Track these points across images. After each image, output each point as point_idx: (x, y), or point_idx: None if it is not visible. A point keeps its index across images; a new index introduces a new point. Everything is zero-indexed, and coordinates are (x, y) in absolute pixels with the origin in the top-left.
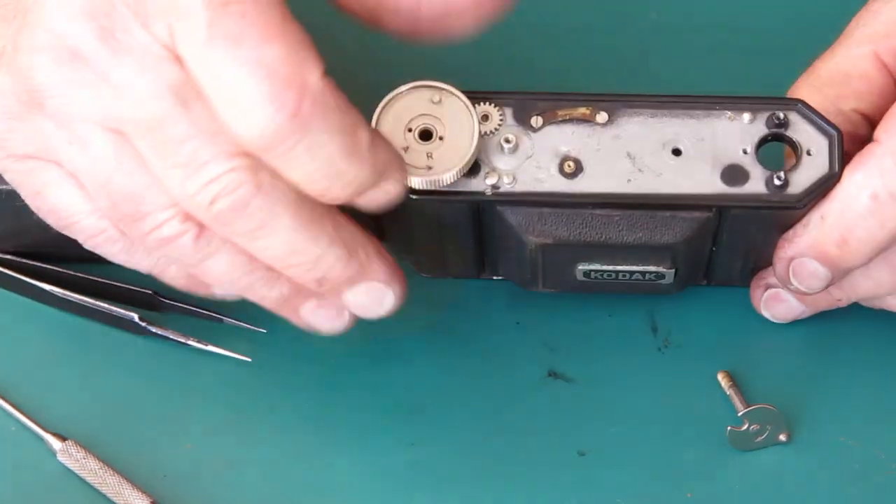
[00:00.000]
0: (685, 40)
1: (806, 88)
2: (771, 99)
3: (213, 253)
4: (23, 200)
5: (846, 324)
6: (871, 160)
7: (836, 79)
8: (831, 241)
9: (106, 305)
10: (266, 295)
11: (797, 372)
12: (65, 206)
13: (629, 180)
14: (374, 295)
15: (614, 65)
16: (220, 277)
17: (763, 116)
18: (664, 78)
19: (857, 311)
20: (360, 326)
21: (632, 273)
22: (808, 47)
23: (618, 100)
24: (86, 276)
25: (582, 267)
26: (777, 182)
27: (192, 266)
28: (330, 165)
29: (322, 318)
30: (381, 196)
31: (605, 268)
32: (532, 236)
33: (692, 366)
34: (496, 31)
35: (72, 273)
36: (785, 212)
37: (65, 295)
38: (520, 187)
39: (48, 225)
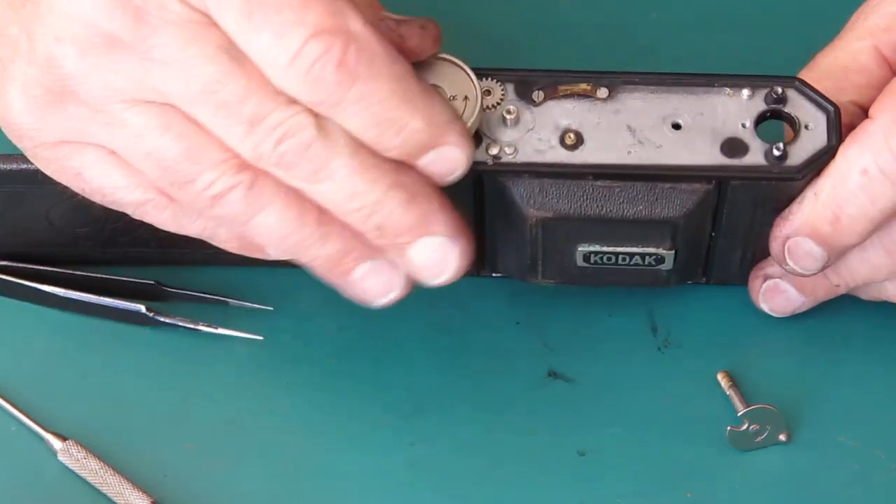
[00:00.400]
0: (684, 39)
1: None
2: (769, 77)
3: (264, 206)
4: (24, 203)
5: (846, 324)
6: (863, 136)
7: (834, 72)
8: (824, 218)
9: (111, 301)
10: (318, 254)
11: (797, 372)
12: (109, 183)
13: (629, 152)
14: (439, 251)
15: (613, 62)
16: (271, 233)
17: (761, 93)
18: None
19: (857, 311)
20: (360, 327)
21: (631, 256)
22: (809, 45)
23: (618, 77)
24: (86, 274)
25: (582, 248)
26: (776, 153)
27: (243, 224)
28: (381, 112)
29: (375, 284)
30: (442, 163)
31: (605, 249)
32: (533, 209)
33: (692, 366)
34: (494, 31)
35: (72, 273)
36: (784, 184)
37: (67, 295)
38: (521, 158)
39: (49, 225)
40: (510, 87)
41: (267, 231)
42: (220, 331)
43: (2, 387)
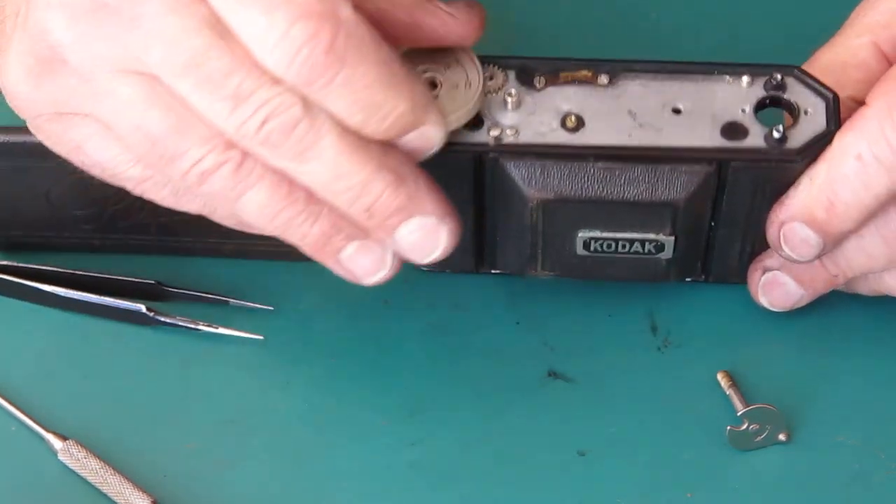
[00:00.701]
0: (684, 40)
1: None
2: (768, 65)
3: (252, 184)
4: (24, 181)
5: (846, 324)
6: (858, 122)
7: (834, 68)
8: (819, 203)
9: (111, 300)
10: (307, 232)
11: (797, 372)
12: (108, 158)
13: (630, 135)
14: (428, 231)
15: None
16: (259, 212)
17: (761, 81)
18: None
19: (856, 311)
20: (360, 327)
21: (631, 242)
22: (809, 46)
23: (619, 64)
24: (87, 274)
25: (582, 234)
26: (776, 135)
27: (232, 202)
28: (368, 97)
29: (363, 264)
30: (420, 142)
31: (605, 235)
32: (534, 191)
33: (692, 365)
34: (491, 32)
35: (72, 272)
36: (783, 167)
37: (67, 295)
38: (523, 139)
39: (49, 206)
40: (511, 74)
41: (256, 209)
42: (220, 331)
43: (2, 387)
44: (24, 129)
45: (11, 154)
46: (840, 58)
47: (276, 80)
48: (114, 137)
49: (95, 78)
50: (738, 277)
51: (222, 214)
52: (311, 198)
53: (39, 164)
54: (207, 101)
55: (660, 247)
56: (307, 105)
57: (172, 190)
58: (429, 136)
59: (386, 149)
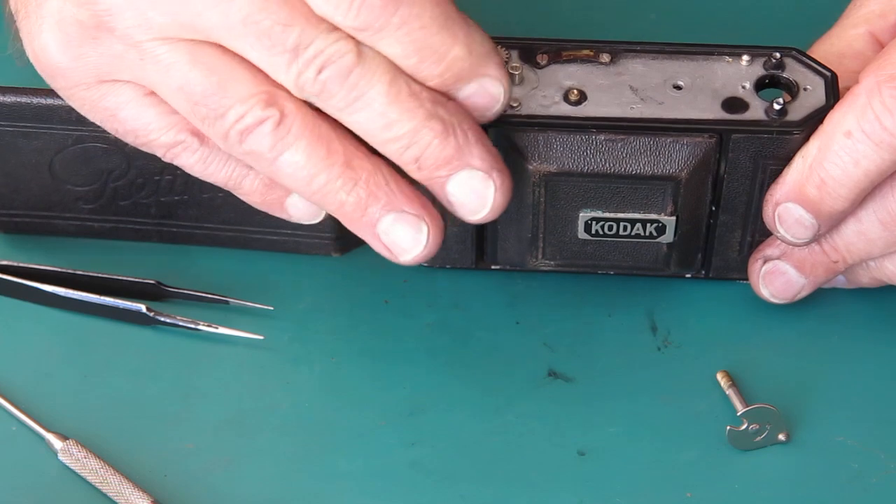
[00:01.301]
0: (683, 41)
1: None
2: (767, 47)
3: (291, 143)
4: (29, 148)
5: (846, 324)
6: (849, 99)
7: (831, 59)
8: (811, 181)
9: (111, 300)
10: (345, 199)
11: (797, 372)
12: (143, 124)
13: (632, 108)
14: (477, 185)
15: None
16: (297, 174)
17: (760, 61)
18: None
19: (856, 311)
20: (360, 327)
21: (633, 223)
22: (806, 38)
23: (620, 45)
24: (87, 274)
25: (584, 214)
26: (777, 107)
27: (271, 162)
28: (423, 38)
29: (401, 235)
30: (482, 96)
31: (607, 215)
32: (536, 163)
33: (692, 365)
34: (491, 33)
35: (73, 272)
36: (784, 140)
37: (67, 294)
38: (525, 111)
39: (51, 179)
40: (514, 54)
41: (293, 171)
42: (221, 331)
43: (2, 387)
44: (29, 91)
45: (17, 116)
46: (836, 49)
47: (331, 28)
48: (149, 104)
49: (141, 45)
50: (738, 272)
51: (249, 188)
52: (351, 162)
53: (46, 128)
54: (267, 57)
55: (661, 228)
56: (360, 52)
57: (202, 157)
58: (489, 90)
59: (437, 99)
